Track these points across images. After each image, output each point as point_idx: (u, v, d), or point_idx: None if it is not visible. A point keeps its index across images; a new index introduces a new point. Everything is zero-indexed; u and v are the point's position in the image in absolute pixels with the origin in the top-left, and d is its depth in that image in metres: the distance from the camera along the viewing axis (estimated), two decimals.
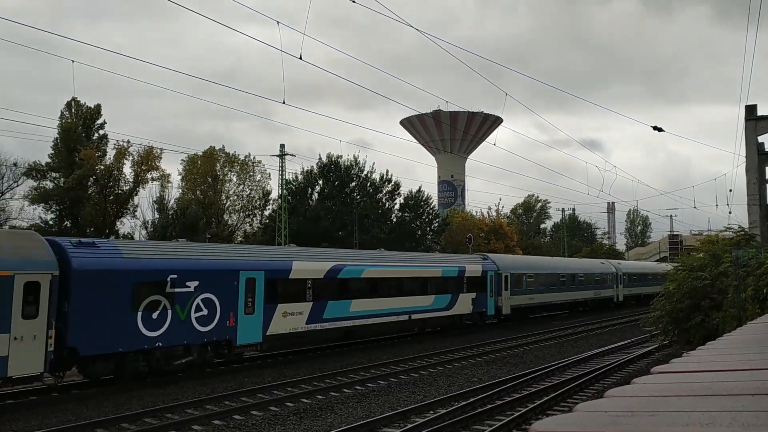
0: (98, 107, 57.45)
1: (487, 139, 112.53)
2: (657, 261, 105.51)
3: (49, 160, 56.07)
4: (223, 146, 67.69)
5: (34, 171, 55.46)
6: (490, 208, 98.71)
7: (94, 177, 56.00)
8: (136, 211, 59.46)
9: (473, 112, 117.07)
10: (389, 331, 26.53)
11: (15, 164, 55.32)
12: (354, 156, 68.04)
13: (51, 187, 55.90)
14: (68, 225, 55.31)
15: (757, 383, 1.87)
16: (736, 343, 3.29)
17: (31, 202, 54.97)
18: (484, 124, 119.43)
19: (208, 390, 16.45)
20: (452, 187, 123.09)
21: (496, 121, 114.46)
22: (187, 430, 12.56)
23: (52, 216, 56.05)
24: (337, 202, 63.58)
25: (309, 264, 21.91)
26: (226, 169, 65.87)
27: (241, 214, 68.10)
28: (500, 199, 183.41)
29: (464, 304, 29.93)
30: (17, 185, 55.35)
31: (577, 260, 52.10)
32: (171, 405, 14.39)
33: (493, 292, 32.20)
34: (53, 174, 55.95)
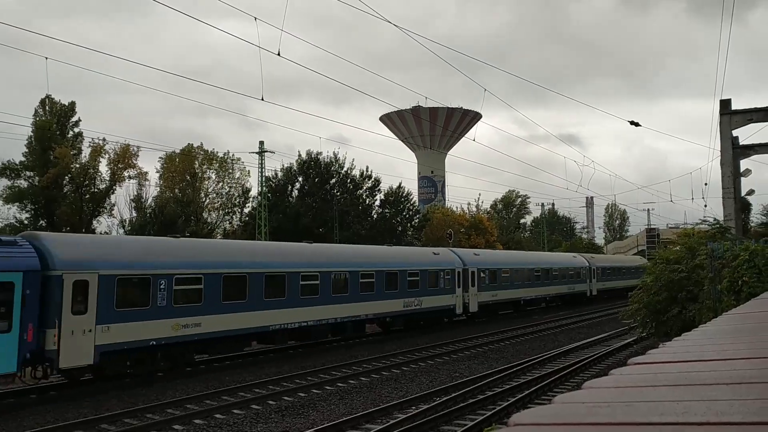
0: (73, 105, 56.66)
1: (466, 135, 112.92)
2: (635, 254, 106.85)
3: (23, 159, 55.22)
4: (202, 143, 67.06)
5: (8, 170, 54.56)
6: (470, 204, 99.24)
7: (69, 175, 55.26)
8: (113, 209, 58.79)
9: (453, 108, 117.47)
10: None
11: None
12: (334, 152, 67.86)
13: (25, 186, 55.07)
14: (44, 224, 54.53)
15: (731, 373, 1.90)
16: (711, 333, 3.34)
17: (5, 202, 54.12)
18: (463, 120, 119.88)
19: (189, 389, 16.33)
20: (432, 183, 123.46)
21: (475, 117, 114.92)
22: (168, 429, 12.46)
23: (27, 215, 55.23)
24: (317, 198, 63.42)
25: None
26: (205, 166, 65.38)
27: (221, 212, 67.66)
28: (480, 195, 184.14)
29: None
30: None
31: (362, 249, 30.25)
32: (151, 405, 14.26)
33: (28, 322, 14.50)
34: (28, 173, 55.11)
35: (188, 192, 62.06)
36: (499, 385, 16.35)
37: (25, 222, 54.52)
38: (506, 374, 17.64)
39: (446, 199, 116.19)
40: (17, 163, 55.10)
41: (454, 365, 20.22)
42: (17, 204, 54.90)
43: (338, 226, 58.59)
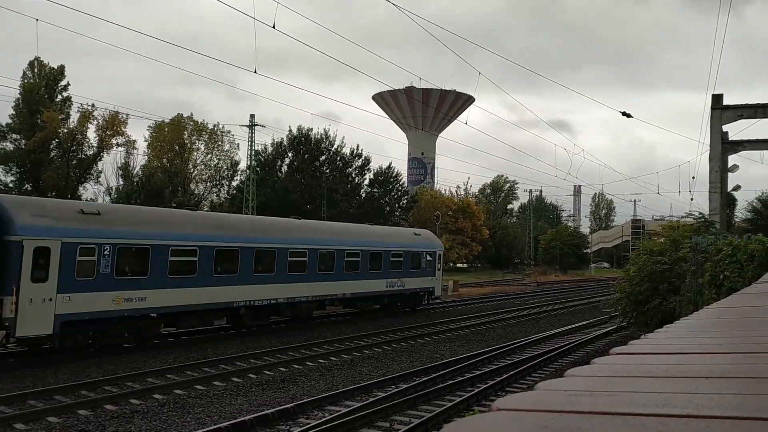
0: (62, 68, 55.81)
1: (458, 118, 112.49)
2: (617, 245, 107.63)
3: (9, 121, 54.48)
4: (192, 114, 66.44)
5: None
6: (458, 187, 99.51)
7: (56, 140, 54.64)
8: (99, 176, 58.34)
9: (446, 90, 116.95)
10: None
11: None
12: (325, 129, 67.48)
13: (11, 148, 54.37)
14: (29, 188, 54.01)
15: (711, 366, 1.92)
16: (692, 327, 3.38)
17: None
18: (456, 103, 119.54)
19: (170, 360, 16.35)
20: (422, 165, 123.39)
21: (468, 100, 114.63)
22: (149, 398, 12.48)
23: (12, 178, 54.62)
24: (307, 175, 63.20)
25: None
26: (194, 137, 64.85)
27: (209, 184, 67.27)
28: (469, 178, 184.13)
29: None
30: None
31: None
32: (132, 373, 14.27)
33: None
34: (14, 135, 54.40)
35: (176, 162, 61.61)
36: (479, 368, 16.52)
37: (10, 185, 53.96)
38: (486, 357, 17.81)
39: (435, 181, 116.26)
40: (3, 125, 54.38)
41: (436, 346, 20.38)
42: (2, 166, 54.24)
43: (326, 203, 58.48)
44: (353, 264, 25.78)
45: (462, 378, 15.01)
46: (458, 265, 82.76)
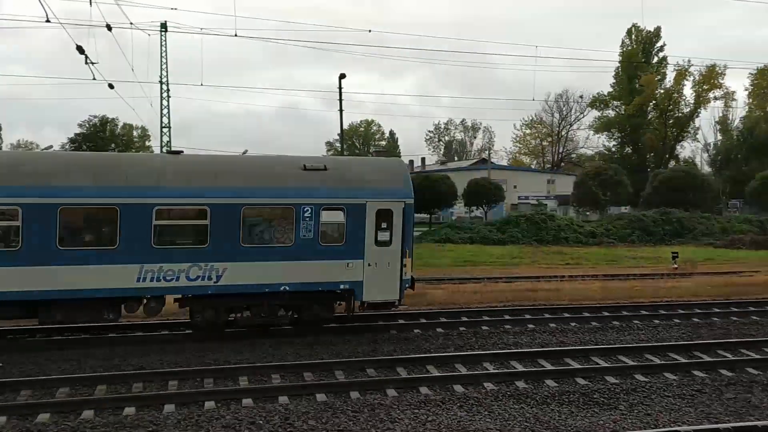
0: (658, 30, 56.30)
1: None
2: None
3: (610, 89, 58.50)
4: None
5: (597, 102, 58.93)
6: None
7: (653, 102, 55.71)
8: (696, 133, 56.58)
9: None
10: None
11: (581, 97, 59.87)
12: None
13: (612, 115, 58.37)
14: (629, 151, 57.11)
15: None
16: None
17: (594, 132, 58.90)
18: None
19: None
20: None
21: None
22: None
23: (614, 143, 58.71)
24: None
25: None
26: None
27: None
28: None
29: None
30: (583, 116, 59.95)
31: None
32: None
33: None
34: (614, 102, 58.18)
35: None
36: None
37: (612, 149, 58.25)
38: None
39: None
40: (605, 94, 58.79)
41: None
42: (606, 133, 58.93)
43: None
44: None
45: None
46: None
